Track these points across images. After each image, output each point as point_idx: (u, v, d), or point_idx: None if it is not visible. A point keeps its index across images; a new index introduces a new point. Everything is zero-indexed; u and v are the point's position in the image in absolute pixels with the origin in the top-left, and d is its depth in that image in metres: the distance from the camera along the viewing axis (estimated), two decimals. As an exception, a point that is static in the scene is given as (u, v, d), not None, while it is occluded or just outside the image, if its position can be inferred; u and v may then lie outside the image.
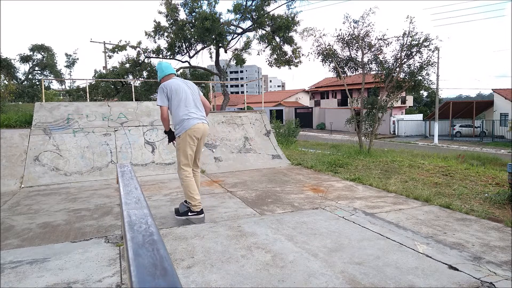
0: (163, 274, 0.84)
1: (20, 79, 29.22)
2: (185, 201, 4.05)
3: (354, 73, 11.41)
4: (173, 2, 18.79)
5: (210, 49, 20.07)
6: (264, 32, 19.08)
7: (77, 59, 33.89)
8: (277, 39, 19.17)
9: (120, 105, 8.31)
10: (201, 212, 3.92)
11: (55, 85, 34.69)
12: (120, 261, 2.25)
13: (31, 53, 29.89)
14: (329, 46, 11.08)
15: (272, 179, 6.43)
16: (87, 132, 7.38)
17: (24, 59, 29.47)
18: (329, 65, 11.24)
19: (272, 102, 49.14)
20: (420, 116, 36.78)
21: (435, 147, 23.32)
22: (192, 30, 18.75)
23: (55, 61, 31.13)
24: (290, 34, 18.89)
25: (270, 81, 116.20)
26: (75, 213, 4.46)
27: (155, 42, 20.16)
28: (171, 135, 4.11)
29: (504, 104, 30.37)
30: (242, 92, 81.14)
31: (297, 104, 50.34)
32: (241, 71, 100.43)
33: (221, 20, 18.48)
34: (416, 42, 9.99)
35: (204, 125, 4.00)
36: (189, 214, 3.91)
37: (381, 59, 10.62)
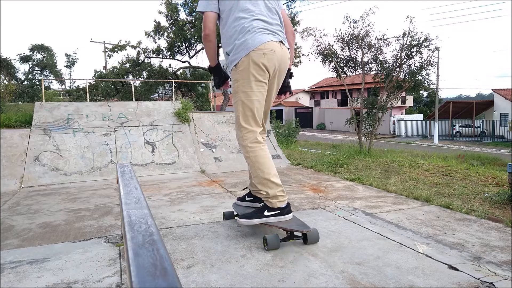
0: (163, 274, 0.84)
1: (20, 79, 29.22)
2: (243, 198, 2.62)
3: (354, 73, 11.42)
4: (173, 2, 18.79)
5: (210, 49, 20.06)
6: (264, 32, 19.07)
7: (77, 59, 34.00)
8: (277, 39, 19.16)
9: (120, 105, 8.31)
10: (287, 207, 2.25)
11: (55, 85, 34.71)
12: (120, 261, 2.25)
13: (31, 53, 29.90)
14: (329, 46, 11.09)
15: (272, 179, 6.43)
16: (87, 132, 7.38)
17: (24, 59, 29.48)
18: (329, 65, 11.26)
19: (272, 102, 49.06)
20: (420, 116, 36.79)
21: (435, 147, 23.32)
22: (192, 30, 18.75)
23: (55, 61, 31.16)
24: (290, 34, 18.88)
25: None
26: (75, 213, 4.46)
27: (155, 42, 20.18)
28: (219, 75, 2.41)
29: (504, 104, 30.38)
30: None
31: (297, 104, 50.34)
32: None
33: (221, 20, 18.47)
34: (416, 42, 10.00)
35: (283, 49, 2.22)
36: (267, 213, 2.22)
37: (381, 59, 10.63)
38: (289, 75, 2.46)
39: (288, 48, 2.29)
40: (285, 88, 2.48)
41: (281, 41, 2.21)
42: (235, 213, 2.70)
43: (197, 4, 2.29)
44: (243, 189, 2.73)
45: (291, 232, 2.27)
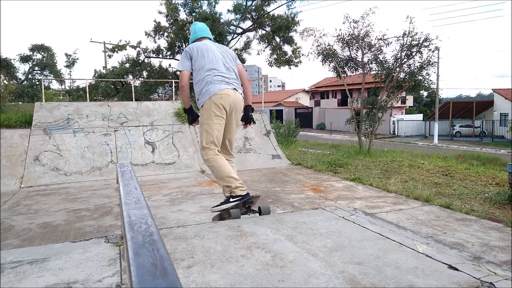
0: (163, 274, 0.84)
1: (20, 79, 29.23)
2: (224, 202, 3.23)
3: (354, 73, 11.42)
4: (173, 2, 18.79)
5: (210, 49, 20.06)
6: (264, 32, 19.08)
7: (77, 59, 33.97)
8: (277, 39, 19.18)
9: (120, 105, 8.31)
10: (246, 196, 2.98)
11: (55, 85, 34.72)
12: (120, 261, 2.25)
13: (31, 53, 29.92)
14: (329, 46, 11.09)
15: (272, 179, 6.43)
16: (87, 132, 7.38)
17: (24, 59, 29.49)
18: (329, 65, 11.26)
19: (272, 102, 49.12)
20: (420, 116, 36.79)
21: (435, 147, 23.32)
22: (192, 30, 18.74)
23: (55, 61, 31.17)
24: (290, 34, 18.90)
25: (270, 81, 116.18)
26: (75, 213, 4.46)
27: (155, 42, 20.17)
28: (191, 114, 3.20)
29: (504, 104, 30.38)
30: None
31: (297, 104, 50.34)
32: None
33: (221, 20, 18.49)
34: (416, 42, 10.00)
35: (236, 94, 3.03)
36: (232, 200, 2.95)
37: (381, 59, 10.63)
38: (251, 109, 3.25)
39: (241, 93, 3.13)
40: (248, 120, 3.24)
41: (234, 88, 3.04)
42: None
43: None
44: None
45: (248, 207, 3.06)
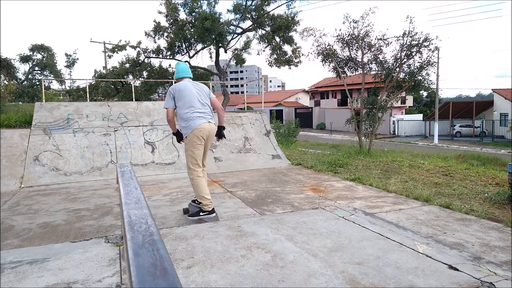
0: (163, 274, 0.84)
1: (20, 79, 29.22)
2: (194, 201, 4.15)
3: (354, 73, 11.42)
4: (173, 2, 18.79)
5: (210, 49, 20.06)
6: (264, 32, 19.07)
7: (77, 59, 33.91)
8: (277, 39, 19.17)
9: (120, 105, 8.31)
10: (212, 211, 3.97)
11: (55, 85, 34.73)
12: (120, 261, 2.25)
13: (31, 53, 29.89)
14: (329, 46, 11.09)
15: (272, 179, 6.43)
16: (87, 132, 7.38)
17: (24, 59, 29.47)
18: (329, 65, 11.25)
19: (272, 102, 49.13)
20: (420, 116, 36.78)
21: (435, 147, 23.32)
22: (192, 30, 18.75)
23: (55, 61, 31.13)
24: (290, 34, 18.88)
25: (270, 81, 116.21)
26: (75, 213, 4.46)
27: (155, 42, 20.15)
28: (179, 136, 4.20)
29: (504, 104, 30.38)
30: (242, 92, 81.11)
31: (297, 104, 50.33)
32: (241, 71, 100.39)
33: (221, 20, 18.47)
34: (416, 42, 9.99)
35: (210, 125, 4.00)
36: (201, 214, 3.94)
37: (381, 59, 10.62)
38: (223, 129, 4.25)
39: (214, 123, 4.08)
40: (220, 136, 4.23)
41: (209, 121, 3.98)
42: (189, 209, 4.24)
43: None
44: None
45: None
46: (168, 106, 4.00)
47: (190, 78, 4.22)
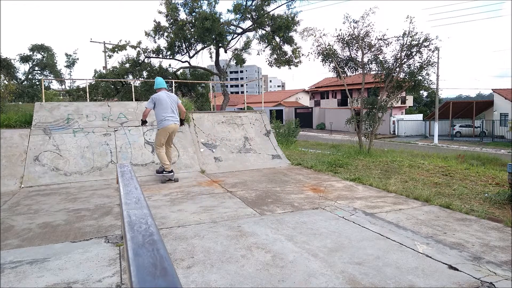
0: (163, 274, 0.84)
1: (20, 79, 29.22)
2: (161, 167, 6.34)
3: (354, 73, 11.41)
4: (173, 2, 18.79)
5: (210, 49, 20.08)
6: (264, 32, 19.08)
7: (77, 59, 33.93)
8: (277, 39, 19.18)
9: (120, 105, 8.31)
10: (171, 171, 6.25)
11: (55, 85, 34.71)
12: (120, 261, 2.25)
13: (31, 53, 29.90)
14: (329, 46, 11.08)
15: (272, 179, 6.43)
16: (87, 132, 7.38)
17: (24, 59, 29.48)
18: (329, 65, 11.25)
19: (272, 102, 49.13)
20: (420, 116, 36.79)
21: (435, 147, 23.33)
22: (192, 30, 18.76)
23: (55, 61, 31.15)
24: (290, 34, 18.90)
25: (270, 81, 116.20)
26: (75, 213, 4.46)
27: (155, 42, 20.17)
28: (144, 123, 6.37)
29: (504, 104, 30.38)
30: (242, 92, 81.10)
31: (297, 104, 50.33)
32: (241, 71, 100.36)
33: (221, 20, 18.49)
34: (416, 42, 9.99)
35: (176, 125, 6.28)
36: (164, 172, 6.21)
37: (381, 59, 10.62)
38: (183, 120, 6.64)
39: (178, 123, 6.35)
40: (181, 124, 6.52)
41: (174, 122, 6.22)
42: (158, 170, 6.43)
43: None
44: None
45: (170, 178, 6.30)
46: (149, 107, 6.18)
47: (166, 89, 6.37)
